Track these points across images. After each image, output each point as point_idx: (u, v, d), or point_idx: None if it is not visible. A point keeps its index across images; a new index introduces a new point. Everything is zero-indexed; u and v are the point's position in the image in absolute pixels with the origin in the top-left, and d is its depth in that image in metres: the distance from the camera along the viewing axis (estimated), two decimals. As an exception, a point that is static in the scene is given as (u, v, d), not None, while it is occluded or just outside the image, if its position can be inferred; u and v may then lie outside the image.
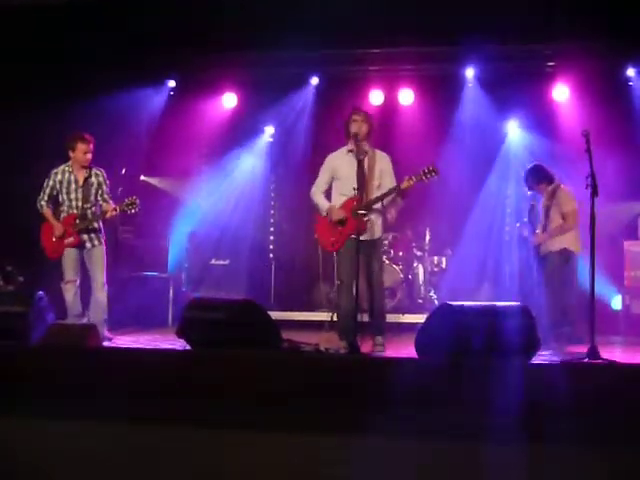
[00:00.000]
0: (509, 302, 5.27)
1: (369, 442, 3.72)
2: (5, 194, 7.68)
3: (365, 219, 5.63)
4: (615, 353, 6.12)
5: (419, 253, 8.83)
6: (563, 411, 3.85)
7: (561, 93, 8.64)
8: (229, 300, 5.70)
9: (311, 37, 7.53)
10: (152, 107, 9.07)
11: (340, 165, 5.90)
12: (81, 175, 6.54)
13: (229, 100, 9.38)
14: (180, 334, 5.29)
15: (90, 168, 6.58)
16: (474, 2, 7.07)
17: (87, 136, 6.53)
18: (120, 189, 7.60)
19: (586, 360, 4.99)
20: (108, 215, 6.48)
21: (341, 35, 7.70)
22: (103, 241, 6.59)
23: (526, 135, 8.87)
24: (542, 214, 6.69)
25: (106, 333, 6.39)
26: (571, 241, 6.54)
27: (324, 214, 5.93)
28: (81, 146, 6.48)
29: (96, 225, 6.55)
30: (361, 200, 5.70)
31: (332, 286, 8.41)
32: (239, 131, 9.38)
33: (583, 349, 5.15)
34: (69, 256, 6.47)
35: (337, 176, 5.91)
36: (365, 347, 5.39)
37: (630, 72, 8.35)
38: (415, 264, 8.80)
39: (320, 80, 9.13)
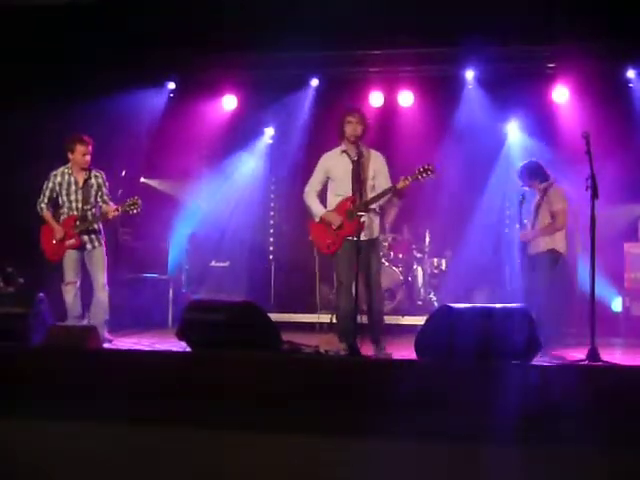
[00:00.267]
0: (509, 304, 5.26)
1: (369, 444, 3.72)
2: (5, 195, 7.68)
3: (362, 220, 5.59)
4: (615, 355, 6.12)
5: (419, 255, 8.83)
6: (563, 413, 3.84)
7: (561, 94, 8.64)
8: (229, 302, 5.70)
9: (311, 38, 7.52)
10: (152, 108, 9.06)
11: (334, 165, 5.84)
12: (81, 177, 6.54)
13: (229, 102, 9.38)
14: (180, 336, 5.29)
15: (89, 170, 6.58)
16: (474, 3, 7.08)
17: (86, 138, 6.53)
18: (120, 191, 7.61)
19: (586, 362, 5.00)
20: (110, 216, 6.49)
21: (341, 36, 7.70)
22: (103, 242, 6.60)
23: (526, 137, 8.87)
24: (533, 212, 6.65)
25: (106, 335, 6.40)
26: (558, 242, 6.50)
27: (317, 220, 5.87)
28: (80, 148, 6.48)
29: (96, 226, 6.56)
30: (356, 201, 5.67)
31: (331, 288, 8.41)
32: (239, 133, 9.39)
33: (583, 351, 5.15)
34: (70, 258, 6.47)
35: (331, 176, 5.85)
36: (365, 349, 5.38)
37: (630, 73, 8.35)
38: (415, 266, 8.80)
39: (320, 81, 9.14)
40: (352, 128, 5.75)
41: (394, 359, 5.46)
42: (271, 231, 9.80)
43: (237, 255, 8.94)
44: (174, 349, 5.49)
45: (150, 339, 6.92)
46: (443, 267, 8.91)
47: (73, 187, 6.52)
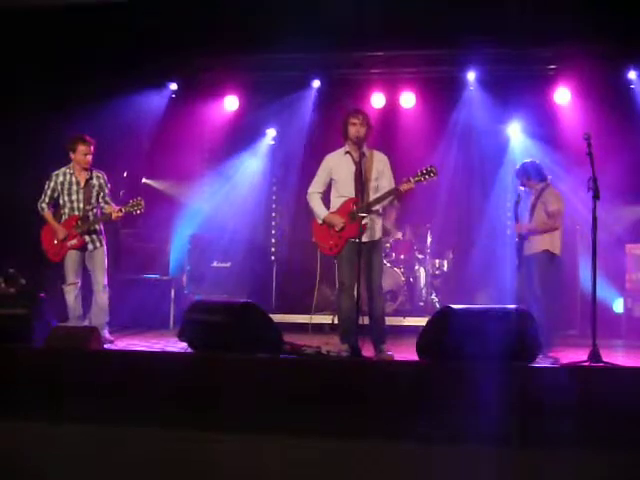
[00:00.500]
0: (511, 305, 5.26)
1: (370, 445, 3.72)
2: (7, 196, 7.68)
3: (364, 222, 5.59)
4: (617, 356, 6.12)
5: (420, 256, 8.83)
6: (564, 414, 3.84)
7: (563, 96, 8.64)
8: (230, 303, 5.70)
9: (313, 40, 7.54)
10: (154, 110, 9.07)
11: (337, 166, 5.83)
12: (82, 177, 6.55)
13: (231, 103, 9.40)
14: (181, 337, 5.29)
15: (91, 170, 6.59)
16: (475, 5, 7.08)
17: (88, 138, 6.53)
18: (122, 192, 7.62)
19: (588, 363, 4.99)
20: (114, 217, 6.48)
21: (343, 38, 7.71)
22: (104, 243, 6.60)
23: (527, 138, 8.87)
24: (528, 211, 6.67)
25: (107, 335, 6.40)
26: (553, 243, 6.51)
27: (320, 222, 5.87)
28: (82, 148, 6.48)
29: (97, 227, 6.56)
30: (359, 202, 5.67)
31: (332, 289, 8.41)
32: (241, 134, 9.40)
33: (585, 352, 5.15)
34: (71, 258, 6.47)
35: (334, 177, 5.84)
36: (366, 350, 5.38)
37: (632, 75, 8.36)
38: (416, 267, 8.79)
39: (322, 83, 9.15)
40: (355, 129, 5.74)
41: (395, 360, 5.46)
42: (272, 232, 9.81)
43: (238, 256, 8.93)
44: (175, 350, 5.49)
45: (151, 340, 6.92)
46: (445, 268, 8.91)
47: (75, 187, 6.53)
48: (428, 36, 7.78)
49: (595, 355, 5.01)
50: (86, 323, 6.46)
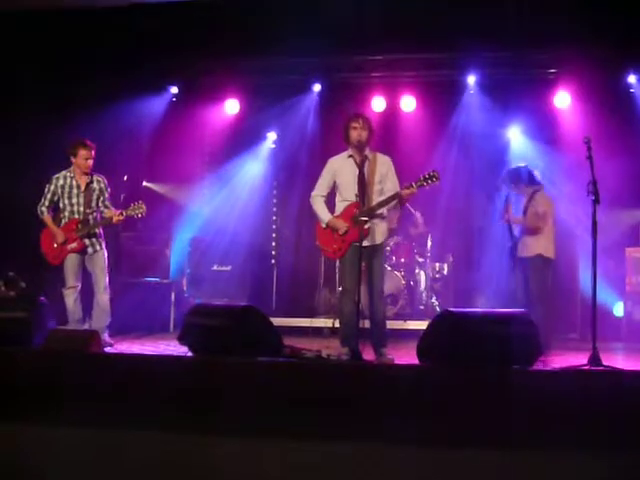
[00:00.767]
0: (511, 309, 5.26)
1: (370, 449, 3.72)
2: (7, 199, 7.69)
3: (366, 226, 5.59)
4: (617, 360, 6.12)
5: (421, 259, 8.83)
6: (564, 418, 3.84)
7: (562, 100, 8.65)
8: (231, 306, 5.70)
9: (313, 43, 7.55)
10: (154, 113, 9.09)
11: (341, 169, 5.83)
12: (83, 181, 6.55)
13: (231, 106, 9.41)
14: (182, 340, 5.28)
15: (92, 174, 6.59)
16: (475, 9, 7.10)
17: (89, 142, 6.54)
18: (122, 195, 7.61)
19: (588, 367, 4.99)
20: (115, 220, 6.49)
21: (343, 41, 7.72)
22: (104, 246, 6.60)
23: (528, 142, 8.87)
24: (522, 214, 6.76)
25: (107, 339, 6.39)
26: (546, 247, 6.58)
27: (324, 225, 5.87)
28: (83, 152, 6.48)
29: (97, 230, 6.56)
30: (361, 206, 5.67)
31: (334, 292, 8.42)
32: (241, 137, 9.41)
33: (585, 356, 5.15)
34: (70, 262, 6.47)
35: (338, 181, 5.84)
36: (367, 354, 5.38)
37: (631, 79, 8.38)
38: (417, 270, 8.79)
39: (322, 86, 9.16)
40: (357, 133, 5.73)
41: (396, 364, 5.46)
42: (273, 235, 9.81)
43: (239, 259, 8.94)
44: (176, 353, 5.49)
45: (152, 343, 6.92)
46: (445, 272, 8.90)
47: (75, 190, 6.53)
48: (428, 40, 7.80)
49: (595, 358, 5.02)
50: (86, 327, 6.46)
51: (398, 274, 8.51)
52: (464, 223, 8.87)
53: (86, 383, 4.48)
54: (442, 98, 9.03)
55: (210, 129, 9.46)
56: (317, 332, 8.12)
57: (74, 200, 6.53)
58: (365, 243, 5.57)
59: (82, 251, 6.49)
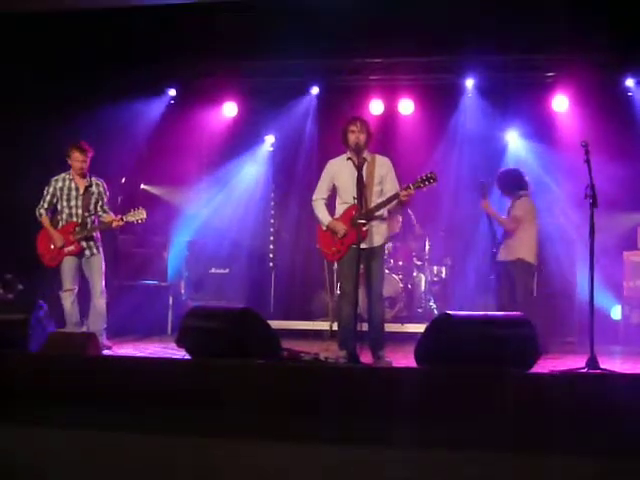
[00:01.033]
0: (508, 312, 5.26)
1: (369, 452, 3.72)
2: (5, 202, 7.68)
3: (364, 228, 5.59)
4: (615, 363, 6.12)
5: (419, 263, 8.83)
6: (562, 421, 3.84)
7: (560, 103, 8.66)
8: (228, 309, 5.70)
9: (311, 46, 7.56)
10: (152, 115, 9.08)
11: (340, 171, 5.84)
12: (82, 183, 6.55)
13: (229, 109, 9.41)
14: (179, 343, 5.28)
15: (91, 177, 6.59)
16: (474, 13, 7.10)
17: (85, 145, 6.53)
18: (120, 198, 7.62)
19: (585, 370, 5.00)
20: (114, 225, 6.49)
21: (341, 45, 7.73)
22: (101, 250, 6.60)
23: (526, 145, 8.89)
24: (506, 216, 6.87)
25: (105, 341, 6.39)
26: (527, 252, 6.69)
27: (324, 228, 5.88)
28: (76, 155, 6.48)
29: (94, 233, 6.56)
30: (360, 209, 5.67)
31: (332, 295, 8.41)
32: (239, 140, 9.41)
33: (582, 359, 5.16)
34: (68, 264, 6.47)
35: (337, 184, 5.85)
36: (365, 357, 5.37)
37: (629, 82, 8.39)
38: (415, 273, 8.79)
39: (320, 89, 9.17)
40: (355, 137, 5.74)
41: (394, 367, 5.46)
42: (271, 238, 9.79)
43: (237, 262, 8.93)
44: (173, 356, 5.49)
45: (149, 346, 6.92)
46: (443, 275, 8.91)
47: (74, 193, 6.53)
48: (427, 43, 7.81)
49: (593, 362, 5.02)
50: (83, 329, 6.46)
51: (396, 277, 8.52)
52: (463, 226, 8.87)
53: (84, 386, 4.47)
54: (440, 101, 9.04)
55: (208, 132, 9.46)
56: (317, 335, 8.11)
57: (72, 203, 6.52)
58: (363, 245, 5.58)
59: (79, 254, 6.49)
